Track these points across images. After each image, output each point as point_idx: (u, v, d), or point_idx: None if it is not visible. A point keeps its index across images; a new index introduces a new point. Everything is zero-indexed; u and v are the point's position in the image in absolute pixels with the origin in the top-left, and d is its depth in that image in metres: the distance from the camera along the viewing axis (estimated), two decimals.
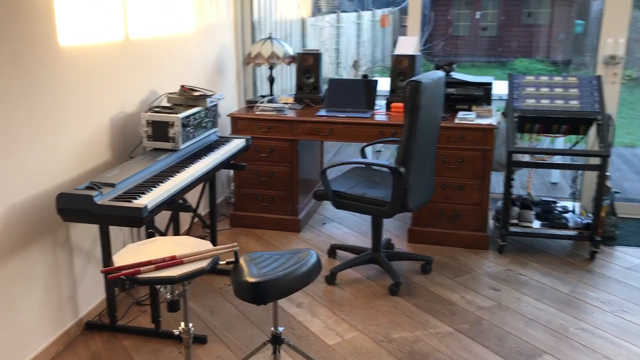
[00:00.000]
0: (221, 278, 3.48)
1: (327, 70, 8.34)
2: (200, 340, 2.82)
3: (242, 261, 2.24)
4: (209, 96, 3.33)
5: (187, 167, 2.92)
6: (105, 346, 2.78)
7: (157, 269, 1.85)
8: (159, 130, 3.04)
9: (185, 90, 3.36)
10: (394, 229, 4.21)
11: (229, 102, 4.63)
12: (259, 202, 4.20)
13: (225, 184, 4.73)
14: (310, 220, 4.41)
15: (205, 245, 2.05)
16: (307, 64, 4.33)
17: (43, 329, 2.64)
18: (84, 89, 2.80)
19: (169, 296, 1.95)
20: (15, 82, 2.36)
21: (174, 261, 1.89)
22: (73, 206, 2.39)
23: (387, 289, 3.35)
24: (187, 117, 3.12)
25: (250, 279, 2.09)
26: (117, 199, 2.43)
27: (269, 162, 4.10)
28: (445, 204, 3.84)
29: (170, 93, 3.36)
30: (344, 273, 3.53)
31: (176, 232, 3.48)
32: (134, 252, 2.01)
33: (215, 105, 3.47)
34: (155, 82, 3.46)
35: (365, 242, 3.98)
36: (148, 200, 2.43)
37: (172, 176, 2.76)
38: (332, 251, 3.78)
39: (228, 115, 4.10)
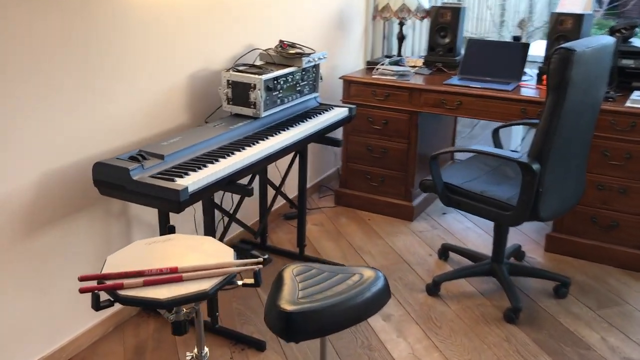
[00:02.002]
0: None
1: (486, 30, 7.34)
2: (257, 346, 2.38)
3: (286, 274, 1.72)
4: (307, 55, 2.79)
5: (263, 139, 2.44)
6: (154, 334, 2.45)
7: (146, 284, 1.40)
8: (240, 93, 2.58)
9: (284, 47, 2.85)
10: (530, 231, 3.41)
11: (351, 62, 4.05)
12: (368, 180, 3.63)
13: (339, 155, 4.21)
14: (428, 207, 3.75)
15: (226, 255, 1.55)
16: (444, 20, 3.59)
17: (87, 308, 2.36)
18: (158, 40, 2.41)
19: (171, 316, 1.50)
20: (71, 30, 2.01)
21: (169, 276, 1.42)
22: (108, 179, 2.03)
23: (502, 312, 2.64)
24: (274, 78, 2.62)
25: (284, 305, 1.57)
26: (159, 175, 2.03)
27: (383, 136, 3.49)
28: (599, 210, 2.97)
29: (265, 49, 2.88)
30: (451, 283, 2.87)
31: (262, 213, 3.05)
32: (137, 253, 1.58)
33: (316, 67, 2.93)
34: (253, 35, 2.99)
35: (490, 245, 3.25)
36: (193, 180, 1.99)
37: (239, 150, 2.29)
38: (444, 252, 3.12)
39: (340, 78, 3.54)
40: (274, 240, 3.30)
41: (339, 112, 2.92)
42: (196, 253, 1.56)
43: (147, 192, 1.95)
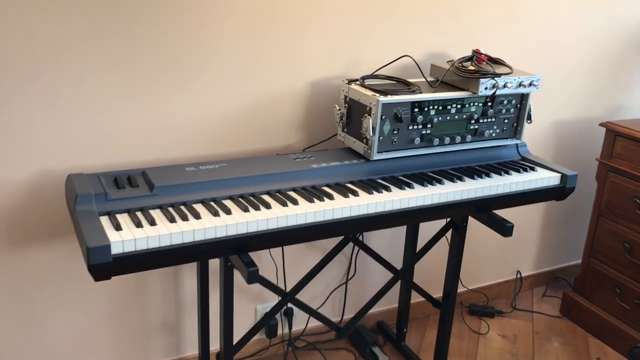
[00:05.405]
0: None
1: None
2: None
3: None
4: (490, 76, 1.70)
5: (345, 195, 1.51)
6: None
7: None
8: (357, 118, 1.69)
9: (479, 61, 1.81)
10: None
11: None
12: (615, 295, 2.23)
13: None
14: None
15: None
16: None
17: (98, 348, 1.85)
18: (279, 32, 1.71)
19: None
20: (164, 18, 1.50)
21: None
22: (67, 199, 1.44)
23: None
24: (415, 104, 1.64)
25: None
26: (115, 212, 1.34)
27: None
28: None
29: (449, 61, 1.89)
30: None
31: (400, 301, 2.07)
32: None
33: (522, 98, 1.79)
34: (446, 39, 2.02)
35: None
36: (142, 235, 1.24)
37: (284, 204, 1.44)
38: None
39: (602, 125, 2.22)
40: (427, 339, 2.27)
41: (544, 177, 1.74)
42: None
43: (79, 235, 1.29)
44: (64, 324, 1.75)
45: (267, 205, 1.42)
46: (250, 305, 2.04)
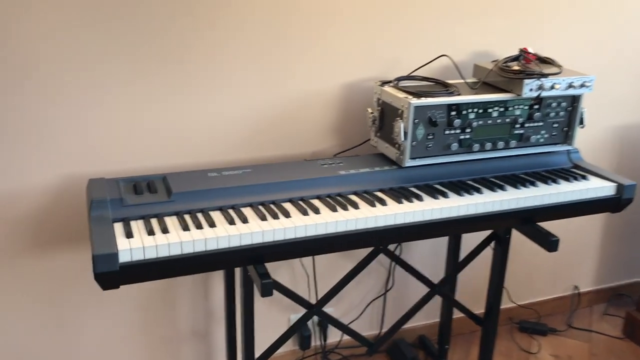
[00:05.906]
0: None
1: None
2: None
3: None
4: (536, 76, 1.56)
5: (372, 204, 1.42)
6: None
7: None
8: (389, 122, 1.59)
9: (527, 62, 1.68)
10: None
11: None
12: None
13: None
14: None
15: None
16: None
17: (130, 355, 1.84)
18: (307, 30, 1.65)
19: None
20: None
21: None
22: (87, 202, 1.42)
23: None
24: (451, 107, 1.53)
25: None
26: (130, 219, 1.31)
27: None
28: None
29: (494, 61, 1.77)
30: None
31: (443, 316, 1.95)
32: None
33: (573, 100, 1.64)
34: (493, 37, 1.89)
35: None
36: (152, 244, 1.20)
37: (304, 213, 1.36)
38: None
39: None
40: (471, 356, 2.13)
41: (596, 187, 1.58)
42: None
43: (91, 240, 1.27)
44: (92, 330, 1.75)
45: (287, 214, 1.35)
46: (284, 314, 1.97)
